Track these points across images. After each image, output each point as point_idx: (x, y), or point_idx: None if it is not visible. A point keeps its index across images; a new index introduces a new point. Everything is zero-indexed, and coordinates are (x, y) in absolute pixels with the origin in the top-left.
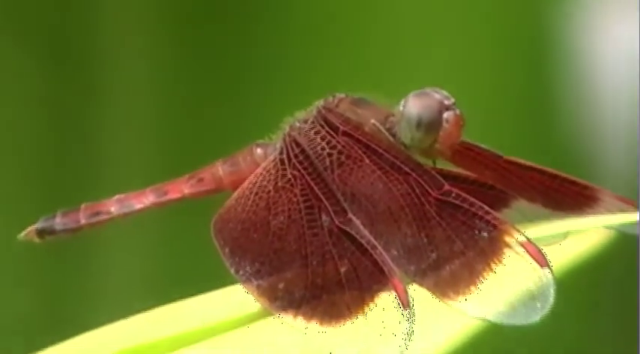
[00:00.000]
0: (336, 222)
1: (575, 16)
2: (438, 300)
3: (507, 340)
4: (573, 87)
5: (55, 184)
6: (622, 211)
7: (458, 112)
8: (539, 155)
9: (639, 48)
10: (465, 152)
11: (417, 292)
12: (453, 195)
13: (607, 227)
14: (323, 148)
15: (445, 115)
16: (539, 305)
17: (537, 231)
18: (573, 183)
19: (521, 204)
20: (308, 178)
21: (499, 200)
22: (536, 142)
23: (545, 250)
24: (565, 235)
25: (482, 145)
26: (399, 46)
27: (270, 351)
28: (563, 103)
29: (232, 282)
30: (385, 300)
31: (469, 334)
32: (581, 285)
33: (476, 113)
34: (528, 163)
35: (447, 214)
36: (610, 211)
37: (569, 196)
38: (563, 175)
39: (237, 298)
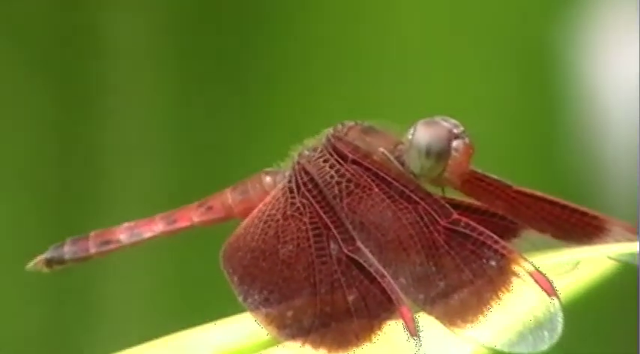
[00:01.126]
0: (345, 250)
1: (577, 38)
2: (446, 328)
3: None
4: (576, 111)
5: (60, 209)
6: (630, 240)
7: (467, 140)
8: (544, 180)
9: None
10: (474, 182)
11: (425, 320)
12: (462, 224)
13: (614, 258)
14: (332, 177)
15: (454, 143)
16: (547, 334)
17: (547, 260)
18: (582, 213)
19: (530, 234)
20: (317, 207)
21: (508, 230)
22: (539, 167)
23: (556, 279)
24: (575, 264)
25: (492, 175)
26: (405, 70)
27: None
28: (566, 127)
29: (241, 310)
30: (393, 329)
31: None
32: (588, 314)
33: (480, 139)
34: (538, 193)
35: (456, 242)
36: (619, 241)
37: (578, 227)
38: (573, 205)
39: (245, 327)
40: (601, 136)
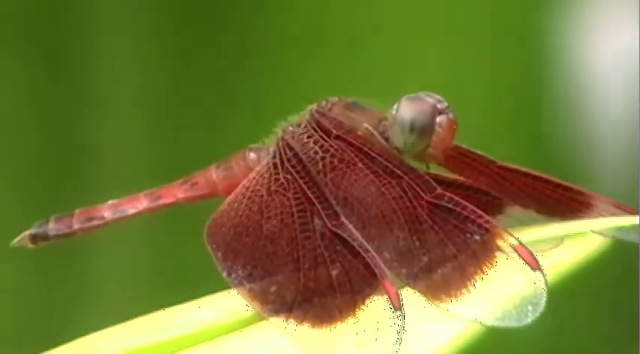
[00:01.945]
0: (329, 225)
1: (572, 18)
2: (429, 303)
3: (504, 345)
4: (570, 90)
5: (47, 189)
6: (614, 215)
7: (451, 116)
8: (534, 159)
9: (638, 49)
10: (458, 157)
11: (408, 295)
12: (446, 199)
13: (602, 233)
14: (316, 152)
15: (438, 119)
16: (530, 308)
17: (533, 235)
18: (567, 189)
19: (514, 210)
20: (301, 182)
21: (492, 206)
22: (531, 146)
23: (541, 255)
24: (561, 239)
25: (476, 151)
26: (391, 49)
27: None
28: (559, 105)
29: (225, 286)
30: (377, 303)
31: (462, 339)
32: (577, 289)
33: (469, 118)
34: (521, 168)
35: (439, 217)
36: (603, 216)
37: (562, 202)
38: (557, 180)
39: (230, 303)
40: (598, 116)
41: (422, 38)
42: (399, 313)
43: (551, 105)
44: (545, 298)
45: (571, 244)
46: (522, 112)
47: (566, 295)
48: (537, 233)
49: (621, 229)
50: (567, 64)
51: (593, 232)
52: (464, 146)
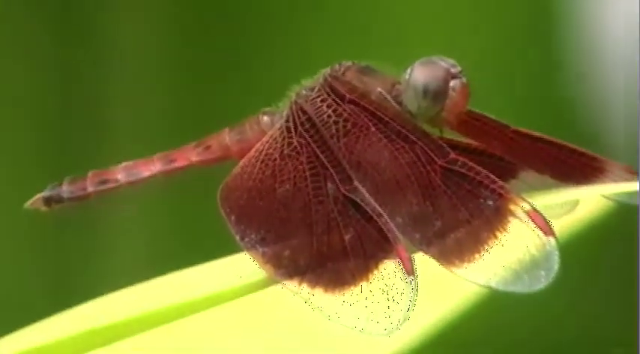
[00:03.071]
0: (342, 190)
1: None
2: (442, 268)
3: (508, 307)
4: (578, 55)
5: (62, 152)
6: (628, 181)
7: (464, 80)
8: (543, 125)
9: None
10: (472, 122)
11: (421, 260)
12: (459, 163)
13: (611, 198)
14: (329, 116)
15: (452, 83)
16: (543, 273)
17: (544, 200)
18: (581, 154)
19: (528, 175)
20: (314, 146)
21: (506, 171)
22: (540, 113)
23: (554, 220)
24: (574, 204)
25: (490, 116)
26: (401, 12)
27: (276, 317)
28: (568, 71)
29: (238, 250)
30: (390, 268)
31: (472, 302)
32: (582, 253)
33: (480, 84)
34: (536, 133)
35: (453, 182)
36: (617, 182)
37: (576, 168)
38: (571, 145)
39: (242, 267)
40: (605, 81)
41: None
42: (412, 277)
43: (562, 70)
44: (557, 264)
45: (581, 209)
46: (532, 77)
47: (573, 258)
48: (550, 198)
49: (633, 194)
50: (578, 26)
51: (605, 197)
52: (477, 111)
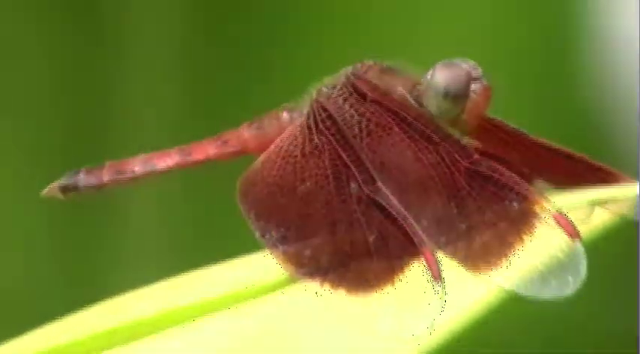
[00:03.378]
0: (365, 190)
1: None
2: (468, 272)
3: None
4: (594, 60)
5: (79, 142)
6: None
7: (485, 83)
8: (557, 128)
9: None
10: (491, 129)
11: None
12: (483, 165)
13: (616, 213)
14: (351, 115)
15: (473, 85)
16: (571, 279)
17: (565, 200)
18: (598, 169)
19: (544, 187)
20: (336, 145)
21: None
22: (555, 116)
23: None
24: (593, 208)
25: (509, 124)
26: (417, 14)
27: (298, 318)
28: (583, 76)
29: (258, 248)
30: (415, 270)
31: (494, 303)
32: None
33: (494, 81)
34: (554, 145)
35: (477, 184)
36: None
37: (593, 182)
38: (588, 159)
39: (263, 265)
40: (620, 87)
41: (450, 6)
42: (439, 282)
43: (577, 72)
44: (585, 268)
45: (600, 214)
46: (548, 81)
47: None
48: (571, 200)
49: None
50: (594, 29)
51: (611, 211)
52: (497, 118)
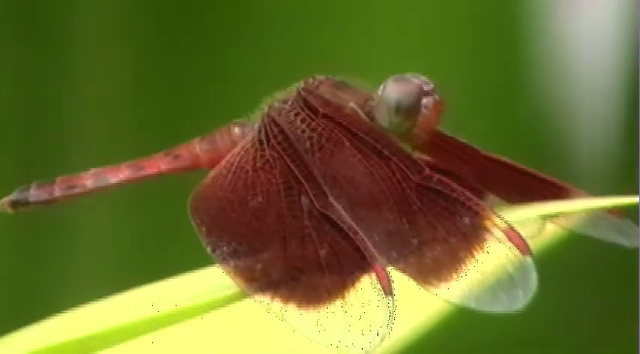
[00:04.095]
0: (316, 205)
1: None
2: (419, 286)
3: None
4: (548, 70)
5: (30, 158)
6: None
7: (437, 97)
8: (512, 142)
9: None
10: (442, 145)
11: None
12: (434, 180)
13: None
14: (303, 131)
15: (424, 100)
16: (521, 293)
17: (516, 215)
18: (551, 184)
19: (495, 202)
20: (287, 160)
21: (474, 195)
22: (509, 128)
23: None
24: (544, 224)
25: (460, 139)
26: (369, 27)
27: (245, 334)
28: (538, 86)
29: (209, 262)
30: (366, 286)
31: (443, 318)
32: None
33: (447, 95)
34: (506, 160)
35: (428, 199)
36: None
37: (546, 197)
38: (541, 175)
39: (213, 280)
40: (576, 97)
41: (403, 15)
42: (389, 296)
43: (532, 87)
44: (535, 283)
45: (551, 227)
46: (503, 96)
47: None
48: (522, 215)
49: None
50: (546, 43)
51: (561, 227)
52: (448, 133)
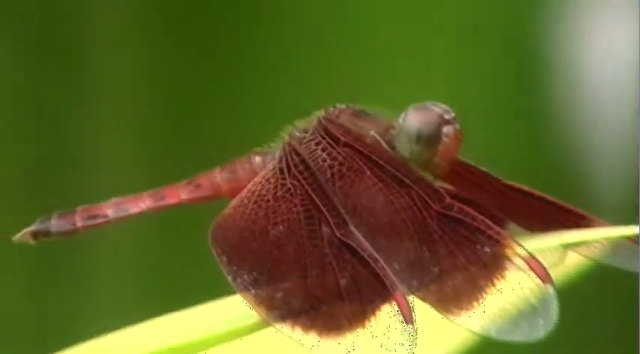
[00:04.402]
0: (337, 234)
1: (566, 17)
2: (440, 315)
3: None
4: (562, 91)
5: (50, 187)
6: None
7: (457, 126)
8: (533, 171)
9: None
10: (463, 173)
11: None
12: (455, 209)
13: (592, 258)
14: (324, 160)
15: (445, 129)
16: (542, 322)
17: (537, 244)
18: (572, 212)
19: (516, 230)
20: (308, 189)
21: (495, 223)
22: (528, 150)
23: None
24: (565, 253)
25: (481, 167)
26: (391, 57)
27: None
28: (556, 107)
29: (230, 292)
30: (387, 314)
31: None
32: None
33: (466, 121)
34: (526, 188)
35: (449, 228)
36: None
37: (565, 226)
38: (562, 203)
39: (234, 309)
40: (595, 118)
41: (423, 40)
42: (410, 325)
43: (549, 113)
44: (556, 312)
45: (573, 256)
46: (520, 123)
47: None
48: (544, 244)
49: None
50: (564, 72)
51: (586, 257)
52: (469, 162)
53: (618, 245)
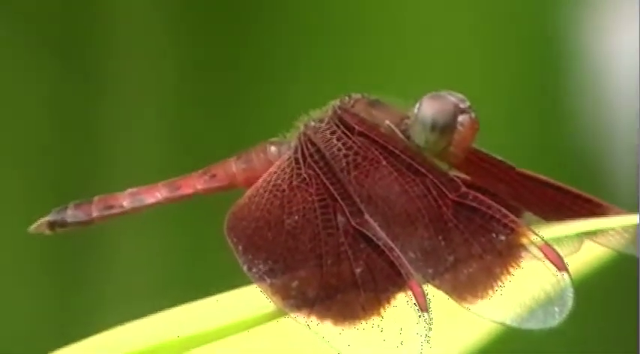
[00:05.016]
0: (352, 223)
1: (581, 17)
2: (455, 303)
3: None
4: (581, 89)
5: (66, 177)
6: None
7: (473, 115)
8: (546, 157)
9: None
10: (477, 162)
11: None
12: (470, 197)
13: (608, 246)
14: (339, 149)
15: (460, 118)
16: (557, 309)
17: (553, 232)
18: (586, 200)
19: (531, 219)
20: (324, 178)
21: (510, 211)
22: (543, 144)
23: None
24: (581, 241)
25: (496, 156)
26: (405, 46)
27: (282, 351)
28: (570, 104)
29: (246, 281)
30: (402, 302)
31: (486, 339)
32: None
33: (482, 115)
34: (541, 176)
35: (464, 216)
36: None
37: (581, 214)
38: (576, 191)
39: (250, 299)
40: (608, 116)
41: (436, 35)
42: (425, 313)
43: (568, 110)
44: (572, 300)
45: (590, 245)
46: (539, 119)
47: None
48: (559, 232)
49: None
50: (584, 69)
51: (603, 245)
52: (483, 151)
53: (635, 234)
